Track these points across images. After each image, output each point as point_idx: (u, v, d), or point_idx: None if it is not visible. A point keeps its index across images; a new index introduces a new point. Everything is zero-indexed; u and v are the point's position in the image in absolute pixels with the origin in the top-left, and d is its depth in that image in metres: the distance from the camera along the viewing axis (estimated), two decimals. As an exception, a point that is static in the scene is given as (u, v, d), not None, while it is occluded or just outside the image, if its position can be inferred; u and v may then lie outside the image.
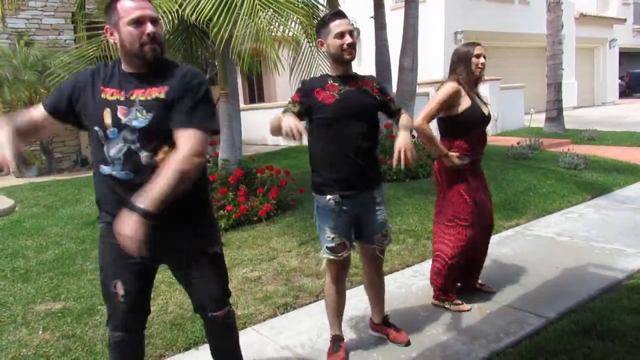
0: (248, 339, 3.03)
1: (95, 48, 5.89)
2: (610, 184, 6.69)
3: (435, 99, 3.15)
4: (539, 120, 12.87)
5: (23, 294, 3.92)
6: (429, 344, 2.86)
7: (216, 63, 6.93)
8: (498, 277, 3.79)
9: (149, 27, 1.88)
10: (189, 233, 2.05)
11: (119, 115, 1.89)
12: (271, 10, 5.07)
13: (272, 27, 5.20)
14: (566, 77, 13.89)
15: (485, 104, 3.30)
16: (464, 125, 3.16)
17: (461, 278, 3.46)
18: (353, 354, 2.81)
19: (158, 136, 1.90)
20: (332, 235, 2.58)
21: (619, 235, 4.61)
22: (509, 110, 12.80)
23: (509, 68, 16.01)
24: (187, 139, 1.86)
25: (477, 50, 3.15)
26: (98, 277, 4.05)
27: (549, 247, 4.43)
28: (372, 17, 8.66)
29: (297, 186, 6.06)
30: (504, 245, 4.55)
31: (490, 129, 12.18)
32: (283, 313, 3.40)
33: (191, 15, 5.12)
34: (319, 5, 6.56)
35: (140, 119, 1.88)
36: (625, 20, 22.04)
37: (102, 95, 1.93)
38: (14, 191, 8.34)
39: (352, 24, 2.57)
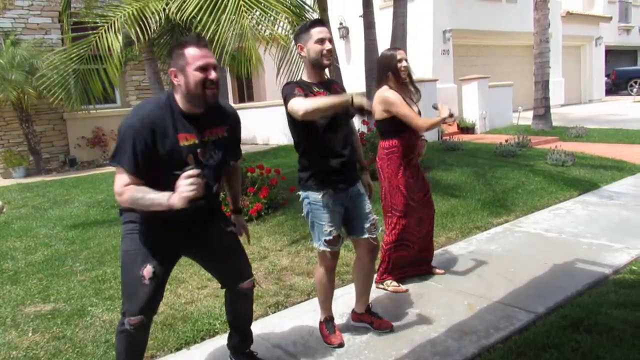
0: (240, 338, 3.04)
1: (85, 48, 5.84)
2: (598, 180, 6.76)
3: (398, 107, 3.35)
4: (526, 117, 12.97)
5: (12, 296, 3.89)
6: (419, 340, 2.88)
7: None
8: (487, 273, 3.83)
9: (212, 74, 2.10)
10: (212, 224, 2.39)
11: (200, 158, 2.15)
12: (259, 10, 5.07)
13: (260, 26, 5.20)
14: (553, 75, 13.99)
15: (414, 103, 3.56)
16: (400, 123, 3.40)
17: (408, 266, 3.74)
18: (343, 351, 2.83)
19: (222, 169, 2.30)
20: (330, 229, 2.73)
21: (606, 231, 4.67)
22: (497, 108, 12.89)
23: (497, 66, 16.09)
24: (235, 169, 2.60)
25: (399, 55, 3.43)
26: (88, 278, 4.11)
27: (538, 243, 4.48)
28: (361, 16, 8.68)
29: (287, 185, 6.06)
30: (493, 242, 4.59)
31: (478, 126, 12.32)
32: (274, 312, 3.40)
33: (176, 13, 5.09)
34: (305, 6, 6.57)
35: (215, 158, 2.21)
36: (611, 18, 22.24)
37: (181, 143, 2.11)
38: (1, 192, 8.27)
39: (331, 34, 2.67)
